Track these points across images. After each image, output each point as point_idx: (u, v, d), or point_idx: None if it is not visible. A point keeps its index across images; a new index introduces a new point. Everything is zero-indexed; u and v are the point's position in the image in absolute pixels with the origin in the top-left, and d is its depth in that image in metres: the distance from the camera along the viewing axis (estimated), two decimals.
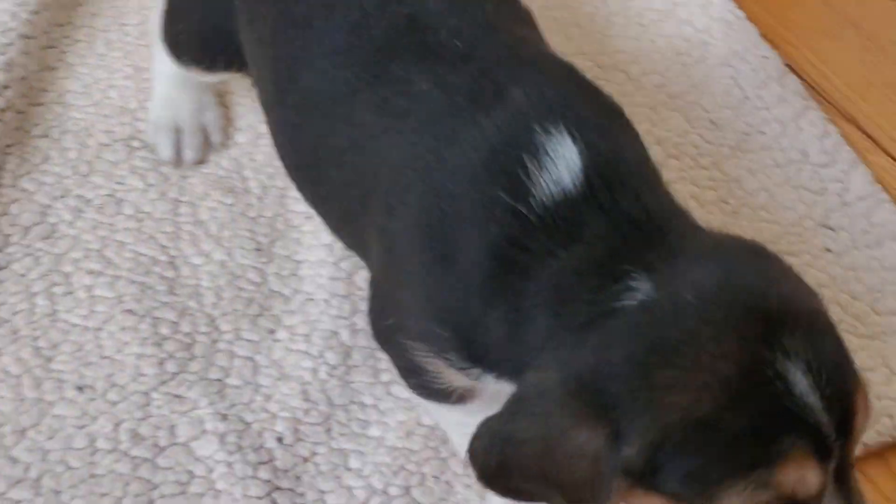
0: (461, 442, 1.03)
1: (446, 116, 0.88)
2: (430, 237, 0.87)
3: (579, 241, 0.81)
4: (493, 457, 0.79)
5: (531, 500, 0.81)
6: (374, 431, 1.15)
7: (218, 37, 1.15)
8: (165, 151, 1.33)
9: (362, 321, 1.19)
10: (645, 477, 0.74)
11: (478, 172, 0.85)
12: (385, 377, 1.18)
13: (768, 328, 0.73)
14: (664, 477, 0.73)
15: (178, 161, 1.33)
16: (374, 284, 1.00)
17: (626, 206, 0.83)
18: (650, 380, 0.73)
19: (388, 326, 0.96)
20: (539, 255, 0.82)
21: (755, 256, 0.80)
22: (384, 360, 1.13)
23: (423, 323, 0.90)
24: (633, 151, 0.88)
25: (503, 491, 0.82)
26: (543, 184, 0.83)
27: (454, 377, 0.92)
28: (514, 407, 0.79)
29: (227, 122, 1.39)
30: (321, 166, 1.00)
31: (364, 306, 1.12)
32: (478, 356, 0.87)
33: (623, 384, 0.74)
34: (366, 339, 1.19)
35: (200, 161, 1.34)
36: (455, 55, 0.92)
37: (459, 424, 1.02)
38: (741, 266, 0.78)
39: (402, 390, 1.15)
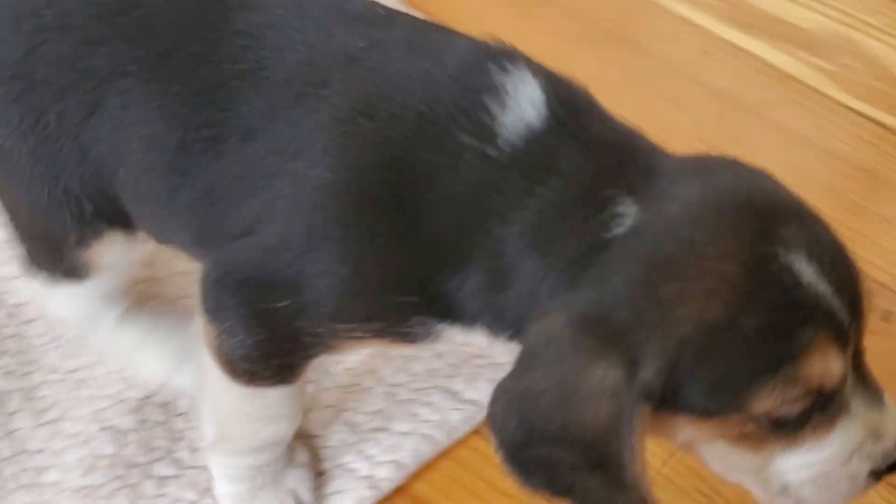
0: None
1: (392, 70, 0.82)
2: (385, 202, 0.79)
3: (555, 174, 0.77)
4: (512, 417, 0.74)
5: (552, 485, 0.76)
6: (51, 476, 1.04)
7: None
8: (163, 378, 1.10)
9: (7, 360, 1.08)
10: (667, 399, 0.71)
11: (438, 123, 0.79)
12: (51, 415, 1.06)
13: (762, 223, 0.72)
14: (687, 393, 0.71)
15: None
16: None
17: (596, 130, 0.80)
18: (655, 298, 0.71)
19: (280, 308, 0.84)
20: (516, 196, 0.77)
21: (728, 164, 0.79)
22: (47, 397, 1.03)
23: (373, 297, 0.82)
24: (571, 81, 0.84)
25: (523, 470, 0.76)
26: (509, 122, 0.78)
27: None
28: (525, 360, 0.75)
29: None
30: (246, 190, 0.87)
31: None
32: (446, 311, 0.81)
33: (629, 309, 0.71)
34: (17, 380, 1.08)
35: None
36: (380, 19, 0.86)
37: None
38: (719, 172, 0.77)
39: (73, 424, 1.05)
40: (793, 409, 0.72)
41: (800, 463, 0.76)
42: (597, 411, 0.71)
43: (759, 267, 0.70)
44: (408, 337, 0.84)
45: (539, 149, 0.78)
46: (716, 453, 0.78)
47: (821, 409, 0.74)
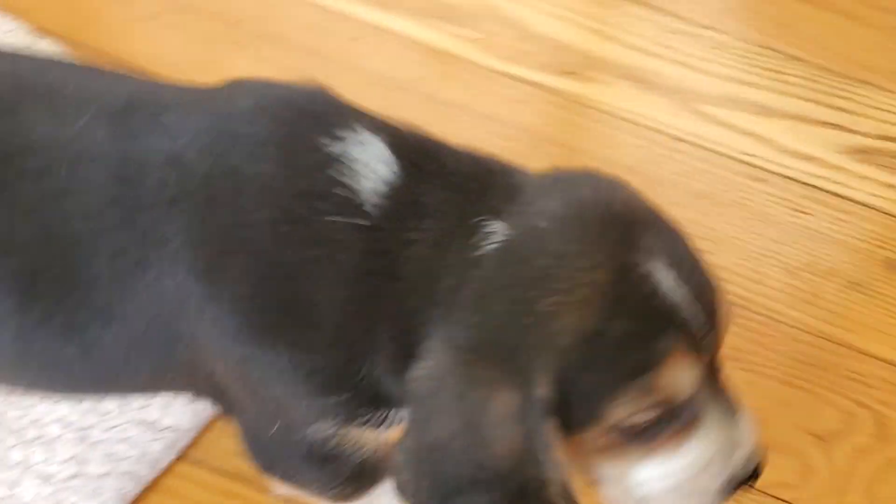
0: None
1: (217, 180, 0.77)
2: (281, 312, 0.77)
3: (425, 216, 0.76)
4: (425, 478, 0.73)
5: None
6: None
7: None
8: None
9: None
10: (569, 415, 0.72)
11: (299, 217, 0.76)
12: None
13: (624, 232, 0.73)
14: (577, 407, 0.72)
15: None
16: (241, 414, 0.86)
17: (450, 166, 0.79)
18: (535, 313, 0.71)
19: (274, 436, 0.83)
20: (397, 250, 0.76)
21: (586, 176, 0.80)
22: None
23: (315, 402, 0.79)
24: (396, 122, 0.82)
25: None
26: (365, 186, 0.76)
27: (372, 438, 0.84)
28: (420, 413, 0.73)
29: None
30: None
31: None
32: (388, 395, 0.79)
33: (512, 329, 0.71)
34: None
35: None
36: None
37: None
38: (579, 185, 0.78)
39: None
40: (645, 417, 0.72)
41: (657, 473, 0.77)
42: (507, 440, 0.71)
43: (625, 275, 0.71)
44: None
45: (403, 199, 0.77)
46: (594, 466, 0.78)
47: (675, 420, 0.74)
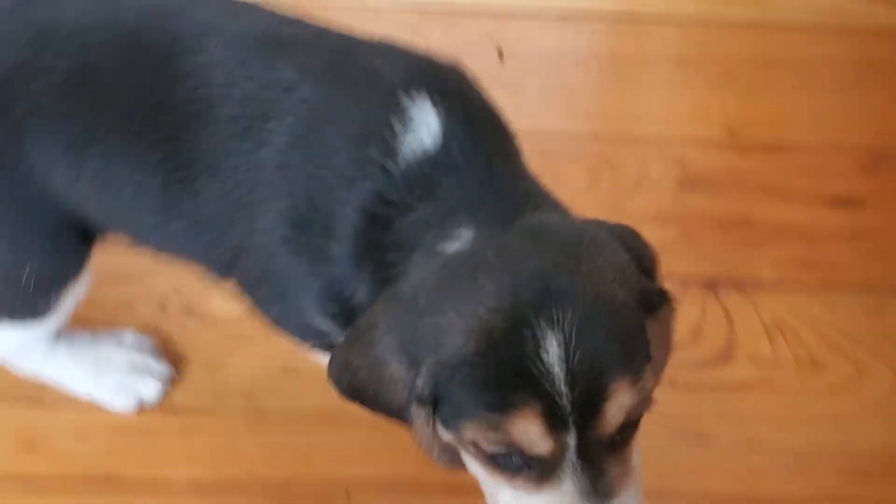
0: None
1: (317, 100, 0.91)
2: (306, 215, 0.91)
3: (433, 196, 0.87)
4: (342, 379, 0.86)
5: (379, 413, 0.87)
6: None
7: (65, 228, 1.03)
8: (128, 401, 1.21)
9: None
10: (442, 413, 0.80)
11: (352, 139, 0.89)
12: None
13: (542, 298, 0.77)
14: (445, 411, 0.80)
15: (148, 403, 1.22)
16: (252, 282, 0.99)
17: (476, 167, 0.88)
18: (437, 320, 0.79)
19: (276, 313, 0.99)
20: (401, 208, 0.87)
21: (578, 240, 0.82)
22: None
23: (312, 302, 0.93)
24: (487, 121, 0.93)
25: (363, 406, 0.87)
26: (407, 144, 0.88)
27: None
28: (350, 336, 0.86)
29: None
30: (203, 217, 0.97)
31: None
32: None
33: (425, 323, 0.80)
34: None
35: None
36: (306, 45, 0.95)
37: None
38: (553, 242, 0.81)
39: None
40: (496, 449, 0.79)
41: (510, 501, 0.83)
42: (393, 393, 0.83)
43: (514, 330, 0.76)
44: None
45: (427, 172, 0.88)
46: (472, 466, 0.85)
47: (530, 468, 0.80)
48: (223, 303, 1.29)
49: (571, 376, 0.76)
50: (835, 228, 1.35)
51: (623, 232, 0.87)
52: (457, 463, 0.86)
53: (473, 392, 0.77)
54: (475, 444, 0.80)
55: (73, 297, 1.10)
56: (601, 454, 0.79)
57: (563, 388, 0.76)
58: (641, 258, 0.85)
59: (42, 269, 1.05)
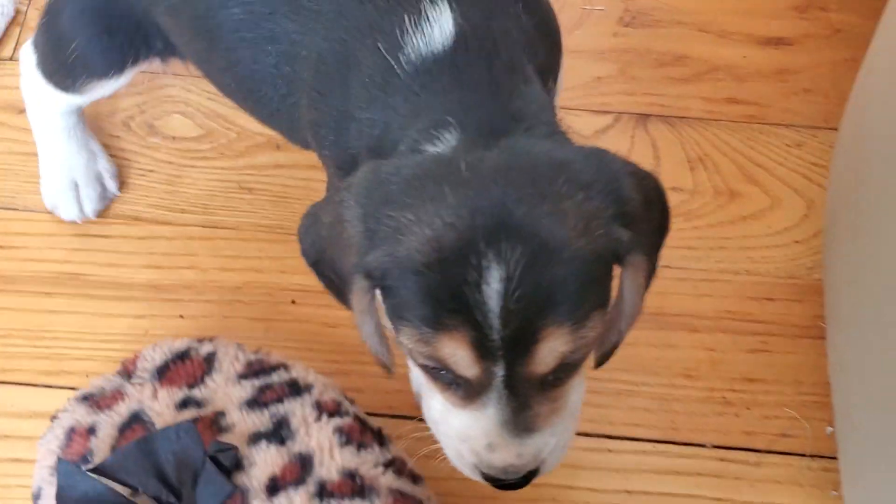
0: None
1: None
2: (329, 80, 0.92)
3: (430, 91, 0.87)
4: (308, 234, 0.88)
5: (332, 291, 0.90)
6: None
7: (124, 31, 1.11)
8: (70, 211, 1.29)
9: None
10: (380, 288, 0.80)
11: (369, 25, 0.90)
12: None
13: (496, 229, 0.75)
14: (388, 304, 0.80)
15: (81, 217, 1.30)
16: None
17: (478, 74, 0.87)
18: (399, 215, 0.78)
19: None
20: (396, 94, 0.88)
21: (552, 177, 0.79)
22: None
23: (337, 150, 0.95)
24: (507, 36, 0.90)
25: (317, 274, 0.89)
26: (416, 41, 0.88)
27: None
28: (328, 195, 0.89)
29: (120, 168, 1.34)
30: (257, 75, 1.00)
31: None
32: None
33: (388, 211, 0.79)
34: None
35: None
36: None
37: None
38: (526, 173, 0.79)
39: None
40: (427, 363, 0.80)
41: (441, 412, 0.85)
42: (346, 259, 0.82)
43: (463, 253, 0.75)
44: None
45: (431, 68, 0.87)
46: (411, 364, 0.89)
47: (462, 386, 0.81)
48: (183, 123, 1.38)
49: (506, 312, 0.75)
50: (763, 67, 1.40)
51: (615, 168, 0.82)
52: (384, 347, 0.86)
53: (414, 300, 0.77)
54: (410, 351, 0.80)
55: (96, 94, 1.20)
56: (529, 390, 0.80)
57: (496, 322, 0.75)
58: (623, 202, 0.80)
59: (85, 52, 1.14)
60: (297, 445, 0.93)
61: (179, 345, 1.02)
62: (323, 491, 0.91)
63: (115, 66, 1.16)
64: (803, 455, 1.15)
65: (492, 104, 0.86)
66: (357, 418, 0.99)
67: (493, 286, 0.74)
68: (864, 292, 0.97)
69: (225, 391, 0.97)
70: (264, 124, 1.11)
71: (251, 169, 1.35)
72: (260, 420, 0.95)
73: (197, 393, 0.97)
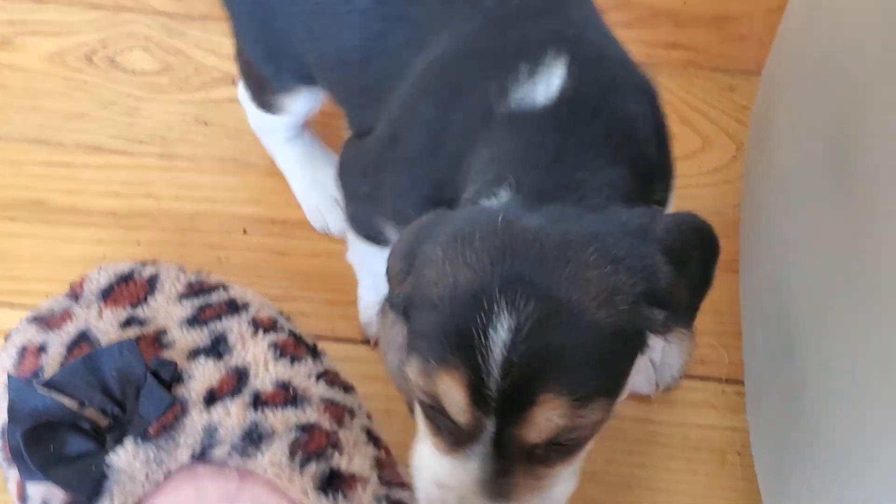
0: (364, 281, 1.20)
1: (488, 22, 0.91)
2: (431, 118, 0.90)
3: (507, 144, 0.84)
4: (392, 257, 0.83)
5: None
6: None
7: (284, 55, 1.11)
8: (339, 224, 1.27)
9: None
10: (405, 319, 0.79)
11: (487, 64, 0.88)
12: None
13: (514, 280, 0.73)
14: (409, 328, 0.79)
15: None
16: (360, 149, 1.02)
17: (556, 139, 0.83)
18: (430, 251, 0.77)
19: (361, 192, 1.02)
20: (485, 143, 0.85)
21: (582, 245, 0.75)
22: None
23: (400, 202, 0.94)
24: (607, 115, 0.86)
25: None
26: (520, 91, 0.85)
27: None
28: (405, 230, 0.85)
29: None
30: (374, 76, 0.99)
31: None
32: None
33: (425, 243, 0.78)
34: None
35: None
36: None
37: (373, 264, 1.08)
38: (557, 236, 0.75)
39: None
40: (425, 398, 0.77)
41: (426, 454, 0.82)
42: (394, 282, 0.82)
43: (477, 294, 0.73)
44: None
45: (523, 122, 0.85)
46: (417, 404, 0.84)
47: (452, 434, 0.78)
48: (143, 58, 1.41)
49: (508, 364, 0.72)
50: (702, 13, 1.44)
51: (650, 248, 0.77)
52: (405, 387, 0.84)
53: (425, 332, 0.75)
54: (414, 385, 0.78)
55: (299, 108, 1.21)
56: (516, 456, 0.76)
57: (495, 371, 0.72)
58: (656, 279, 0.76)
59: (268, 76, 1.17)
60: (234, 359, 0.98)
61: (123, 268, 1.06)
62: (258, 401, 0.95)
63: (295, 82, 1.16)
64: (719, 380, 1.20)
65: (553, 170, 0.83)
66: (292, 334, 1.04)
67: (500, 333, 0.72)
68: (770, 230, 1.01)
69: (166, 310, 1.02)
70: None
71: (208, 103, 1.39)
72: (199, 337, 0.99)
73: (140, 312, 1.02)
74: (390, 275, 0.83)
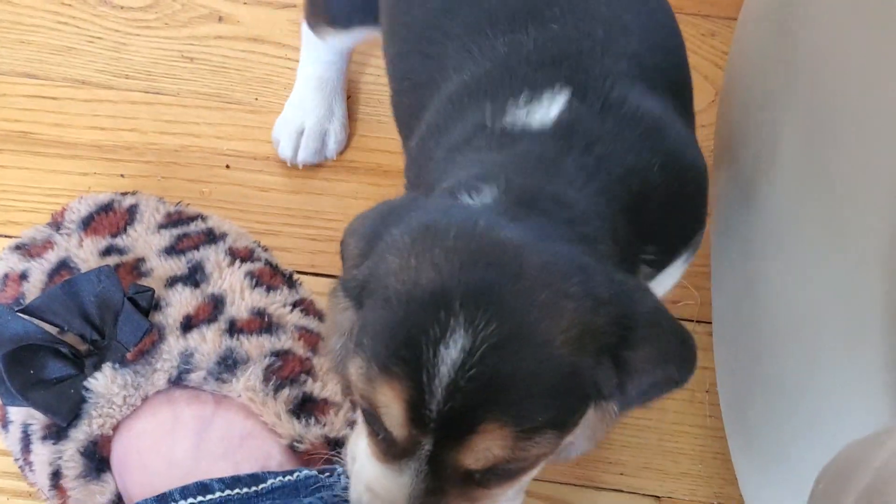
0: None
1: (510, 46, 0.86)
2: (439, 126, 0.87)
3: (494, 151, 0.80)
4: (352, 235, 0.78)
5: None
6: None
7: None
8: (286, 150, 1.28)
9: None
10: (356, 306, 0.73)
11: (489, 80, 0.85)
12: None
13: (479, 294, 0.66)
14: (359, 318, 0.72)
15: (292, 160, 1.29)
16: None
17: (549, 159, 0.78)
18: (399, 236, 0.70)
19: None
20: (473, 147, 0.81)
21: (565, 274, 0.68)
22: None
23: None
24: (606, 151, 0.80)
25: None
26: (518, 113, 0.82)
27: None
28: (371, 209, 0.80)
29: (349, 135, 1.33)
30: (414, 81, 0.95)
31: None
32: None
33: (392, 227, 0.72)
34: None
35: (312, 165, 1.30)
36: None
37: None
38: (539, 256, 0.68)
39: None
40: (363, 404, 0.71)
41: (362, 450, 0.76)
42: (347, 265, 0.77)
43: (434, 303, 0.66)
44: None
45: (508, 136, 0.80)
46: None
47: (387, 442, 0.71)
48: None
49: (453, 387, 0.65)
50: None
51: (641, 309, 0.70)
52: (343, 378, 0.76)
53: (374, 329, 0.68)
54: (352, 385, 0.71)
55: (339, 43, 1.23)
56: (451, 477, 0.70)
57: (439, 393, 0.65)
58: (630, 345, 0.70)
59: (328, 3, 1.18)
60: (211, 287, 0.99)
61: (103, 198, 1.07)
62: (233, 328, 0.97)
63: (349, 20, 1.17)
64: (691, 320, 1.22)
65: (544, 180, 0.76)
66: (268, 264, 1.05)
67: (451, 352, 0.65)
68: (738, 176, 1.02)
69: (145, 240, 1.03)
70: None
71: (193, 39, 1.38)
72: (177, 265, 1.00)
73: (119, 241, 1.03)
74: (346, 253, 0.77)
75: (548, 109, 0.81)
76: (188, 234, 1.04)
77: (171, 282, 0.99)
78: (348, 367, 0.71)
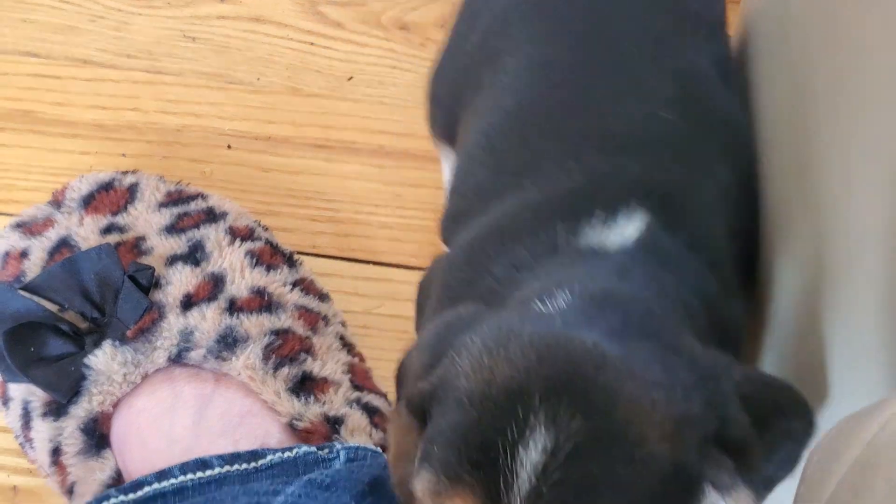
0: None
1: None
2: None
3: (577, 265, 0.73)
4: (416, 350, 0.71)
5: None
6: None
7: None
8: None
9: None
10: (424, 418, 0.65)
11: (561, 201, 0.78)
12: None
13: (561, 387, 0.58)
14: (426, 432, 0.64)
15: None
16: None
17: (622, 267, 0.72)
18: (470, 341, 0.63)
19: None
20: (543, 265, 0.74)
21: (663, 353, 0.62)
22: None
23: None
24: (678, 291, 0.73)
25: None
26: (590, 236, 0.75)
27: None
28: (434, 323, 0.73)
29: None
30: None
31: None
32: None
33: (461, 334, 0.65)
34: None
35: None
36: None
37: None
38: (632, 347, 0.62)
39: None
40: None
41: None
42: (410, 376, 0.70)
43: (513, 397, 0.58)
44: None
45: (579, 253, 0.74)
46: None
47: None
48: None
49: (535, 494, 0.56)
50: None
51: (725, 385, 0.62)
52: (409, 496, 0.65)
53: (444, 438, 0.60)
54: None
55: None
56: None
57: (518, 502, 0.56)
58: (730, 423, 0.61)
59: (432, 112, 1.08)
60: (211, 266, 0.98)
61: (104, 176, 1.06)
62: (233, 306, 0.96)
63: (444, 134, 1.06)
64: None
65: (617, 284, 0.70)
66: (269, 243, 1.04)
67: (532, 454, 0.56)
68: None
69: (146, 218, 1.02)
70: None
71: (196, 19, 1.37)
72: (177, 244, 1.00)
73: (120, 220, 1.02)
74: (409, 370, 0.70)
75: (624, 231, 0.74)
76: (188, 212, 1.03)
77: (172, 260, 0.99)
78: (414, 486, 0.62)
